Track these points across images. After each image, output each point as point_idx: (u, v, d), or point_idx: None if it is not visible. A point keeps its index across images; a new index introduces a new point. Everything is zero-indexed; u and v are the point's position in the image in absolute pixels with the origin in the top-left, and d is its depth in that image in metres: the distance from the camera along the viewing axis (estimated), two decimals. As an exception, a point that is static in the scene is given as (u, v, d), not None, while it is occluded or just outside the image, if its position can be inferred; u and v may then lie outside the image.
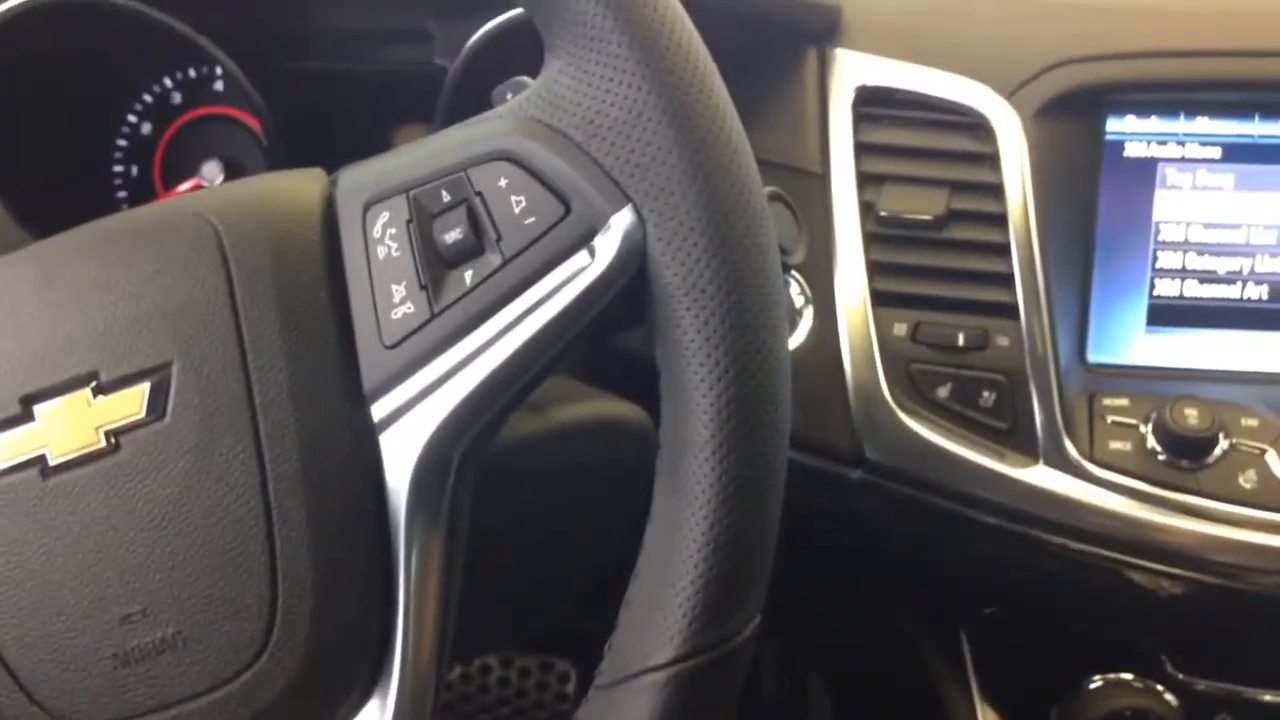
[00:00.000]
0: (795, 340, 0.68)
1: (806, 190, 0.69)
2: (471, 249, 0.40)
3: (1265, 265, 0.68)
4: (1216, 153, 0.67)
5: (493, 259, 0.40)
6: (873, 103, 0.69)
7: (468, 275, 0.40)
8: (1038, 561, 0.66)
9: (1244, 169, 0.67)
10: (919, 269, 0.67)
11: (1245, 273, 0.68)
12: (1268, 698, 0.69)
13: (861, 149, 0.68)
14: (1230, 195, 0.67)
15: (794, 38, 0.71)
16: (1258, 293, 0.68)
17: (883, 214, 0.67)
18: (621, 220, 0.39)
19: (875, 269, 0.67)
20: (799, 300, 0.68)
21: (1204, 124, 0.67)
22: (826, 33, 0.71)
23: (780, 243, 0.55)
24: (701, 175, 0.39)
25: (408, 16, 0.76)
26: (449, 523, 0.41)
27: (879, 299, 0.67)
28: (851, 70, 0.70)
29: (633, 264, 0.39)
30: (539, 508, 0.55)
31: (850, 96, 0.69)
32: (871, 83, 0.69)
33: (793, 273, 0.69)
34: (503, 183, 0.40)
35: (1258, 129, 0.67)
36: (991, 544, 0.67)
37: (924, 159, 0.68)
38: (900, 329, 0.66)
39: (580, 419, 0.58)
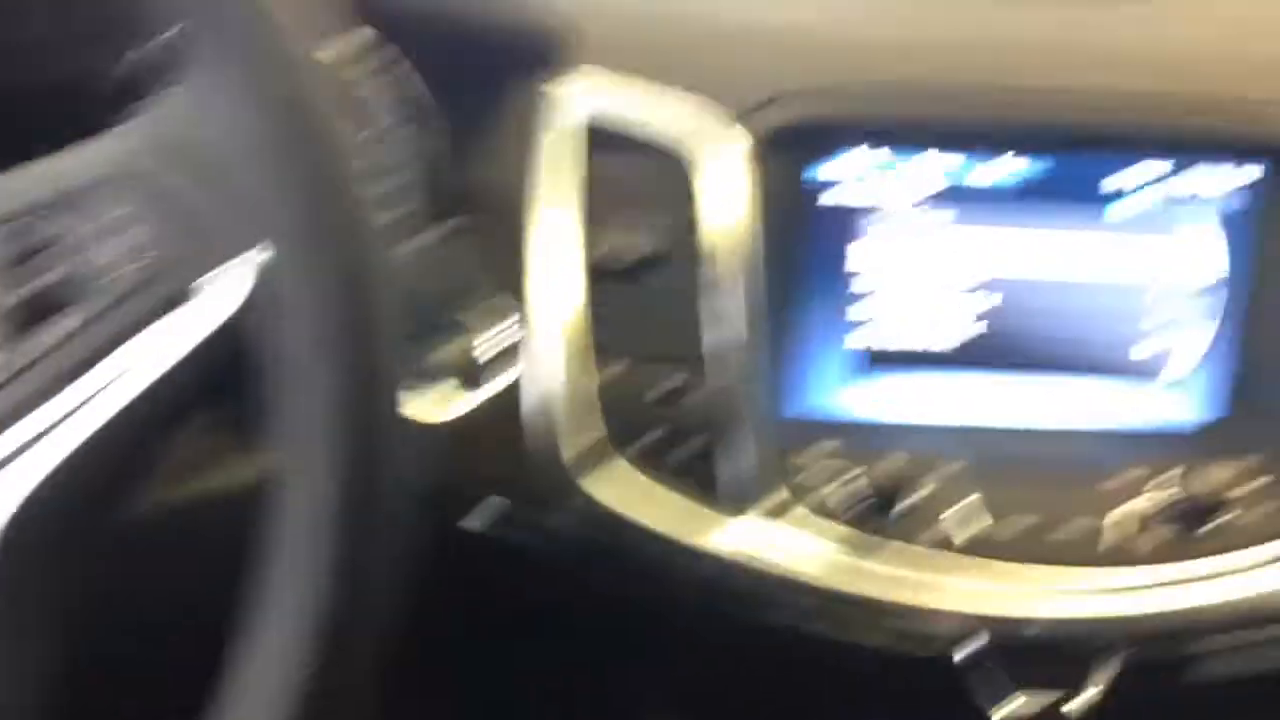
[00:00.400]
0: (503, 383, 0.70)
1: (520, 225, 0.71)
2: (67, 295, 0.39)
3: (969, 310, 0.71)
4: (928, 190, 0.71)
5: (91, 306, 0.38)
6: (597, 134, 0.69)
7: (61, 325, 0.39)
8: (737, 620, 0.69)
9: (955, 208, 0.69)
10: (628, 311, 0.68)
11: (949, 318, 0.71)
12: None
13: (581, 183, 0.69)
14: (931, 240, 0.70)
15: (515, 64, 0.72)
16: (960, 339, 0.71)
17: (598, 252, 0.69)
18: (242, 262, 0.38)
19: (586, 311, 0.68)
20: (502, 343, 0.70)
21: (916, 161, 0.70)
22: (549, 59, 0.72)
23: (463, 283, 0.56)
24: (313, 220, 0.38)
25: (85, 24, 0.75)
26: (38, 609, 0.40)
27: (589, 342, 0.68)
28: (576, 100, 0.70)
29: (252, 310, 0.38)
30: (183, 585, 0.55)
31: (574, 122, 0.70)
32: (597, 113, 0.69)
33: (494, 314, 0.70)
34: (114, 214, 0.39)
35: (969, 167, 0.70)
36: (692, 601, 0.69)
37: (636, 195, 0.69)
38: (608, 373, 0.68)
39: (231, 485, 0.58)
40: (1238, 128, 0.68)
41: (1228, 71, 0.68)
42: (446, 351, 0.68)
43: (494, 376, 0.68)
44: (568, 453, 0.66)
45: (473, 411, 0.67)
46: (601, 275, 0.67)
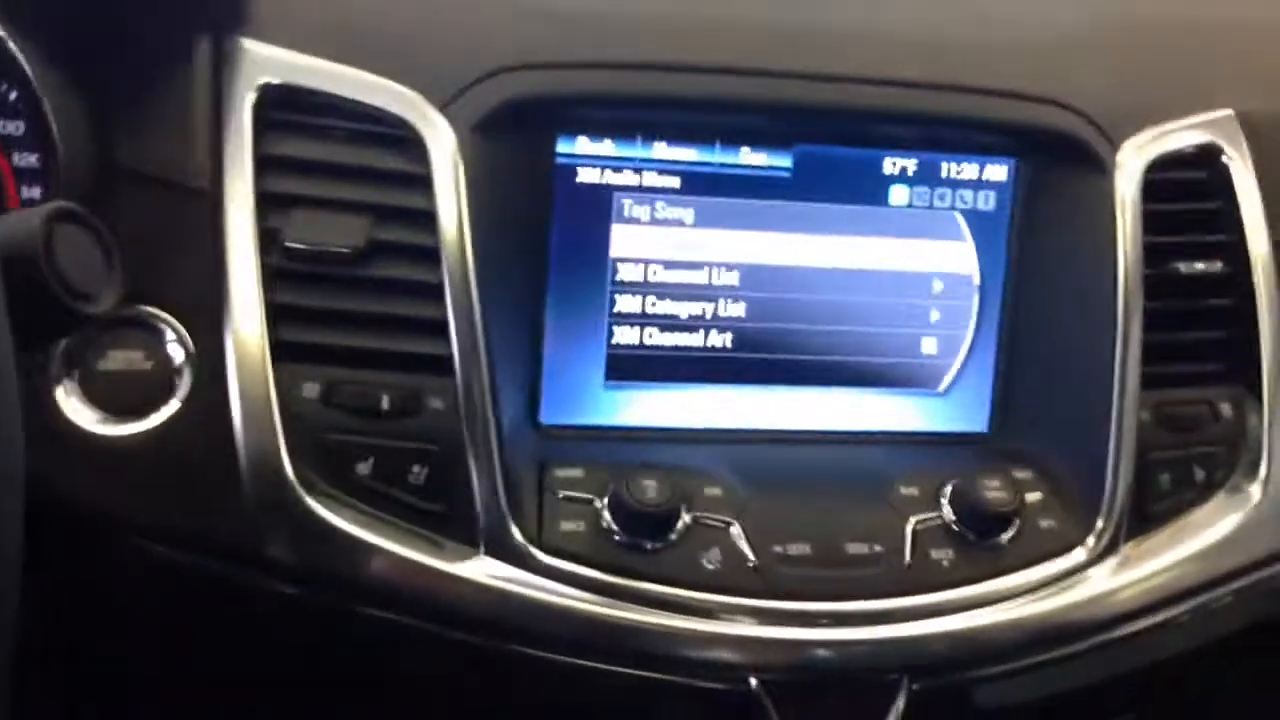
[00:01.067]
0: (169, 408, 0.57)
1: (190, 212, 0.58)
2: None
3: (728, 311, 0.65)
4: (676, 182, 0.64)
5: None
6: (281, 106, 0.59)
7: None
8: (477, 670, 0.59)
9: (704, 201, 0.64)
10: (334, 314, 0.57)
11: (708, 318, 0.65)
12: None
13: (264, 163, 0.58)
14: (691, 231, 0.64)
15: (183, 20, 0.60)
16: (721, 341, 0.65)
17: (290, 245, 0.57)
18: None
19: (279, 314, 0.57)
20: (177, 356, 0.57)
21: (662, 150, 0.64)
22: (228, 18, 0.61)
23: (81, 284, 0.45)
24: None
25: None
26: None
27: (283, 352, 0.56)
28: (256, 65, 0.59)
29: None
30: None
31: (252, 97, 0.59)
32: (279, 81, 0.59)
33: (168, 319, 0.57)
34: None
35: (718, 157, 0.65)
36: (423, 653, 0.59)
37: (342, 178, 0.59)
38: (310, 389, 0.57)
39: None
40: (986, 120, 0.66)
41: (980, 59, 0.67)
42: (118, 359, 0.57)
43: (172, 392, 0.57)
44: (285, 474, 0.54)
45: (169, 425, 0.57)
46: (307, 268, 0.56)
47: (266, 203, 0.56)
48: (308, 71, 0.59)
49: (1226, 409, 0.66)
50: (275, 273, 0.56)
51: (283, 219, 0.56)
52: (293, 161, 0.58)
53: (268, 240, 0.56)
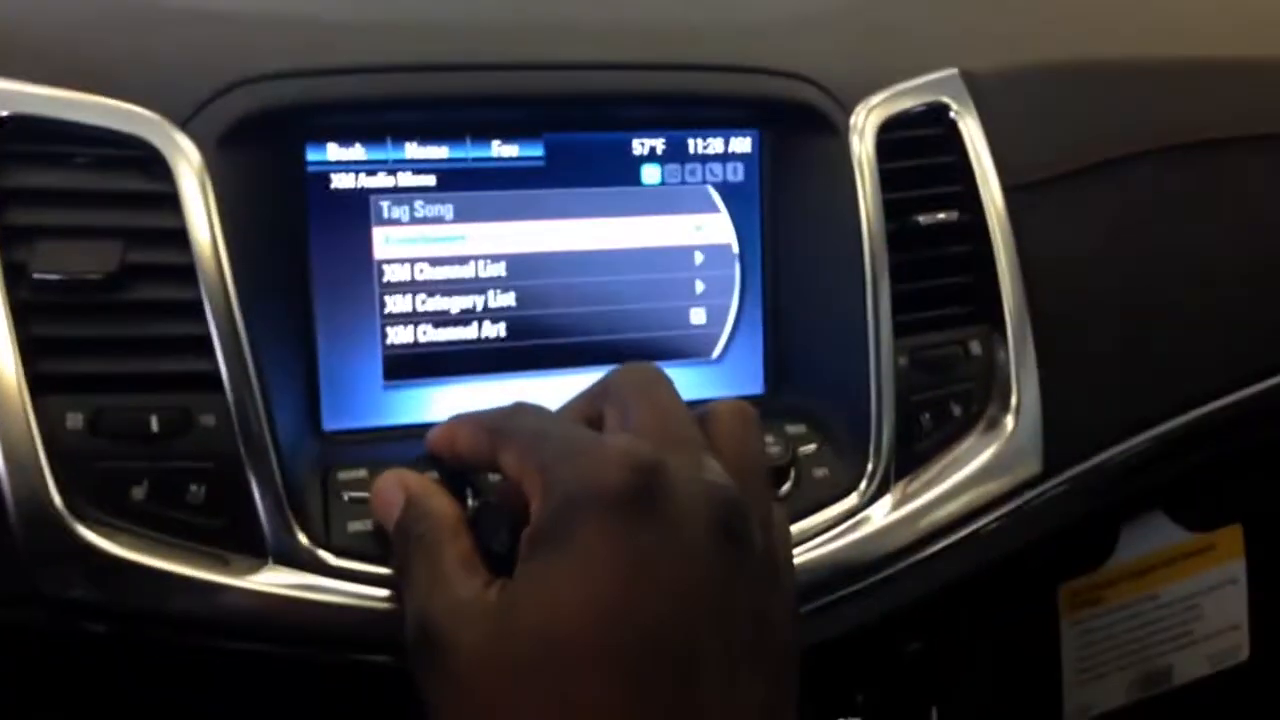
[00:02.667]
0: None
1: None
2: None
3: (498, 301, 0.69)
4: (432, 180, 0.67)
5: None
6: (14, 138, 0.60)
7: None
8: (283, 678, 0.61)
9: (462, 196, 0.67)
10: (93, 342, 0.58)
11: (479, 310, 0.69)
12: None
13: (6, 197, 0.59)
14: (452, 227, 0.67)
15: None
16: (495, 331, 0.69)
17: (38, 276, 0.58)
18: None
19: (33, 347, 0.57)
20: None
21: (414, 149, 0.67)
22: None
23: None
24: None
25: None
26: None
27: (42, 385, 0.57)
28: None
29: None
30: None
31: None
32: (9, 112, 0.60)
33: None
34: None
35: (471, 153, 0.68)
36: (234, 673, 0.60)
37: (87, 205, 0.60)
38: (75, 420, 0.57)
39: None
40: (726, 95, 0.72)
41: (718, 38, 0.73)
42: None
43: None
44: (56, 508, 0.55)
45: None
46: (60, 299, 0.58)
47: (10, 236, 0.57)
48: (40, 101, 0.60)
49: (976, 347, 0.72)
50: (25, 306, 0.57)
51: (28, 252, 0.57)
52: (33, 193, 0.59)
53: (14, 274, 0.56)
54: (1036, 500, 0.73)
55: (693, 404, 0.68)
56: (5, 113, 0.60)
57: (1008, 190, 0.75)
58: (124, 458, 0.57)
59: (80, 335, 0.58)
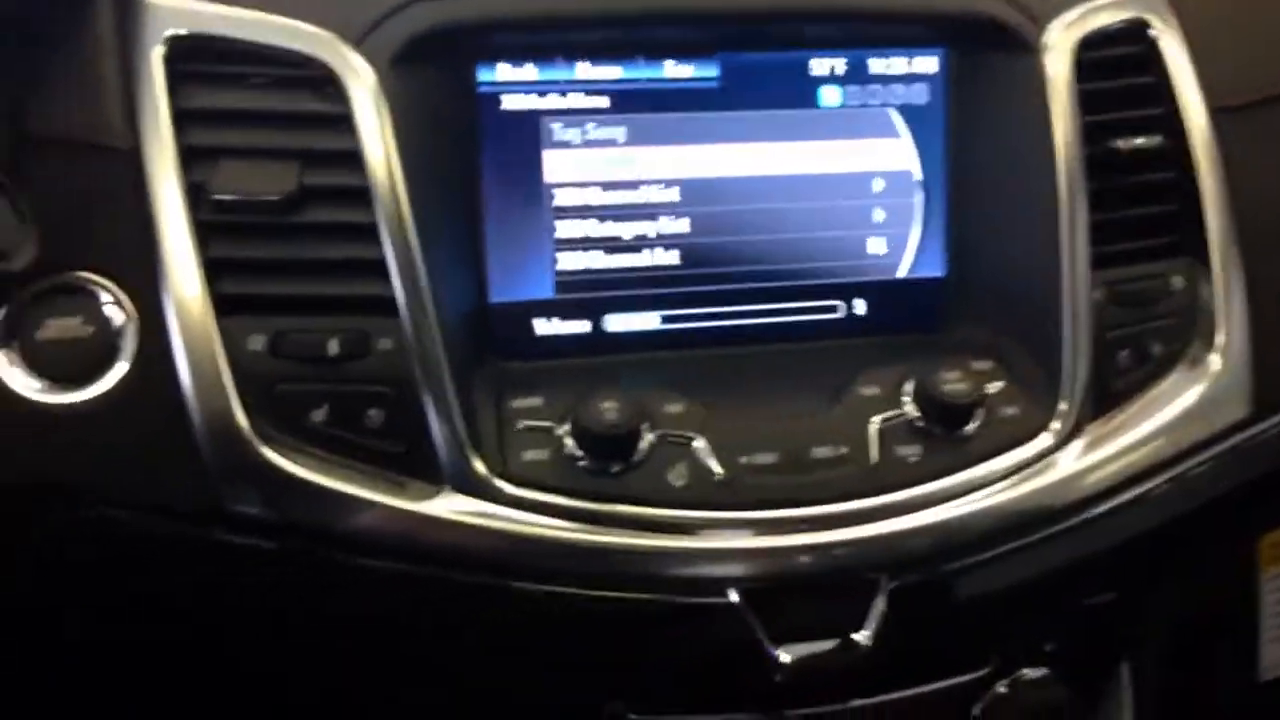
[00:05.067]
0: (116, 372, 0.60)
1: (113, 173, 0.61)
2: None
3: (671, 228, 0.70)
4: (604, 102, 0.68)
5: None
6: (191, 58, 0.62)
7: None
8: (456, 607, 0.63)
9: (635, 119, 0.68)
10: (272, 263, 0.61)
11: (652, 237, 0.69)
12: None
13: (182, 117, 0.61)
14: (624, 150, 0.68)
15: None
16: (667, 258, 0.70)
17: (219, 197, 0.61)
18: None
19: (216, 268, 0.60)
20: (117, 319, 0.60)
21: (586, 69, 0.68)
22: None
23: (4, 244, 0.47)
24: None
25: None
26: None
27: (226, 306, 0.60)
28: (160, 17, 0.63)
29: None
30: None
31: (160, 51, 0.62)
32: (186, 31, 0.63)
33: (104, 283, 0.60)
34: None
35: (644, 73, 0.69)
36: (400, 595, 0.62)
37: (264, 126, 0.62)
38: (257, 341, 0.60)
39: None
40: (911, 11, 0.71)
41: None
42: (56, 327, 0.60)
43: (116, 357, 0.61)
44: (241, 428, 0.59)
45: (116, 389, 0.60)
46: (240, 220, 0.61)
47: (189, 157, 0.60)
48: (215, 19, 0.63)
49: (1179, 281, 0.71)
50: (207, 227, 0.59)
51: (208, 171, 0.60)
52: (211, 113, 0.61)
53: (195, 195, 0.59)
54: (1242, 446, 0.72)
55: (868, 336, 0.69)
56: (182, 31, 0.61)
57: (1213, 113, 0.73)
58: (304, 380, 0.60)
59: (260, 257, 0.60)
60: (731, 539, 0.62)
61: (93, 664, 0.69)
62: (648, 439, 0.62)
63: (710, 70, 0.68)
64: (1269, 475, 0.74)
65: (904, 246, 0.71)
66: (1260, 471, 0.74)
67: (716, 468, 0.63)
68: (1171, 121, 0.72)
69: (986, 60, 0.71)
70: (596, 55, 0.67)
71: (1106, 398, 0.69)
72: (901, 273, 0.71)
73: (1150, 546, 0.70)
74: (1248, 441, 0.72)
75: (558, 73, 0.66)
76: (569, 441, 0.61)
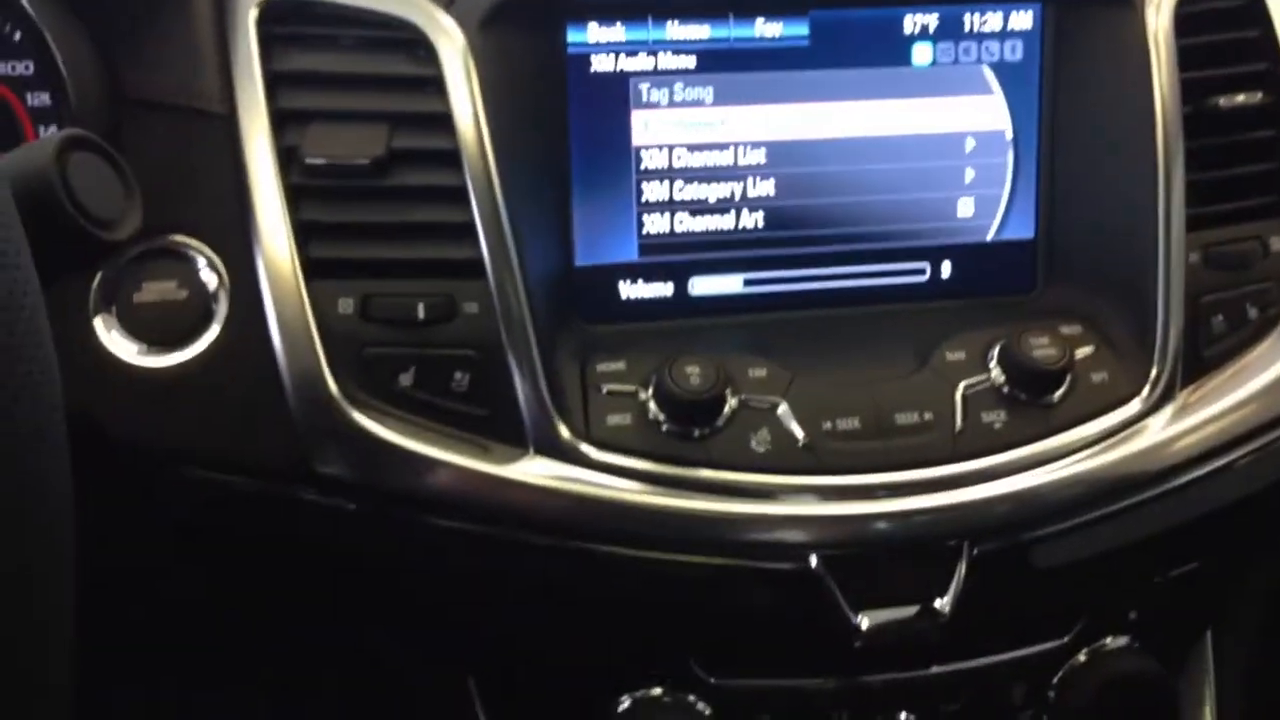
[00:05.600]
0: (209, 335, 0.61)
1: (208, 137, 0.62)
2: None
3: (756, 190, 0.69)
4: (692, 62, 0.67)
5: None
6: (284, 20, 0.63)
7: None
8: (540, 570, 0.64)
9: (723, 79, 0.67)
10: (362, 227, 0.62)
11: (737, 199, 0.69)
12: (807, 685, 0.71)
13: (275, 80, 0.62)
14: (712, 110, 0.68)
15: None
16: (753, 221, 0.69)
17: (309, 161, 0.61)
18: None
19: (307, 231, 0.61)
20: (211, 282, 0.61)
21: (675, 29, 0.67)
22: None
23: (99, 211, 0.48)
24: None
25: None
26: None
27: (316, 269, 0.61)
28: None
29: None
30: None
31: (254, 13, 0.63)
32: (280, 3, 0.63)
33: (198, 246, 0.62)
34: None
35: (733, 31, 0.68)
36: (485, 557, 0.63)
37: (354, 89, 0.63)
38: (346, 305, 0.61)
39: None
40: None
41: None
42: (153, 290, 0.62)
43: (211, 318, 0.62)
44: (330, 389, 0.60)
45: (210, 351, 0.62)
46: (330, 183, 0.62)
47: (282, 120, 0.61)
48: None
49: (1277, 243, 0.69)
50: (298, 190, 0.60)
51: (300, 135, 0.60)
52: (303, 75, 0.62)
53: (287, 158, 0.60)
54: None
55: (956, 297, 0.68)
56: (274, -7, 0.61)
57: None
58: (392, 344, 0.61)
59: (350, 220, 0.61)
60: (813, 505, 0.62)
61: (189, 618, 0.71)
62: (731, 404, 0.63)
63: (800, 28, 0.68)
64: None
65: (994, 208, 0.71)
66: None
67: (799, 433, 0.63)
68: (1274, 78, 0.70)
69: (1084, 14, 0.69)
70: (686, 14, 0.67)
71: (1199, 364, 0.69)
72: (990, 235, 0.70)
73: (1237, 517, 0.69)
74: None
75: (646, 33, 0.66)
76: (652, 406, 0.62)
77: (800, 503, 0.62)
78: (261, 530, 0.63)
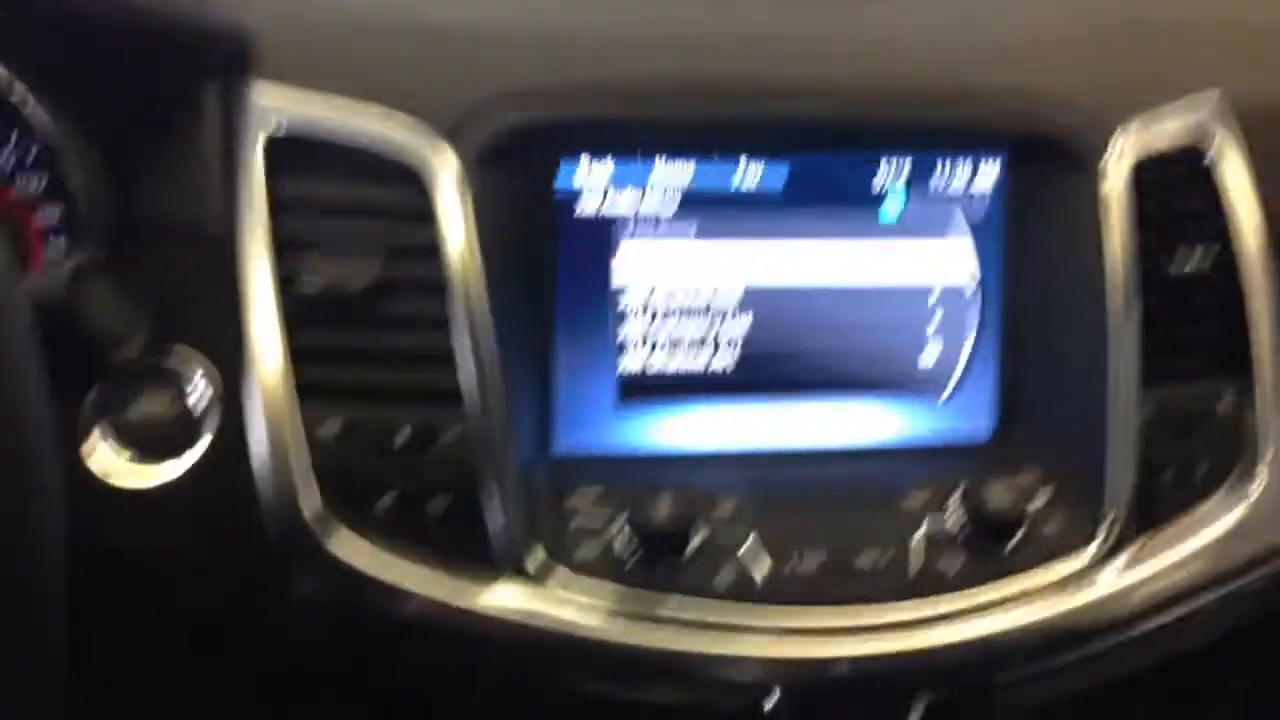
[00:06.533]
0: (199, 449, 0.63)
1: (211, 258, 0.64)
2: None
3: (731, 330, 0.71)
4: (675, 200, 0.70)
5: None
6: (291, 150, 0.65)
7: None
8: (510, 701, 0.65)
9: (705, 216, 0.70)
10: (351, 352, 0.63)
11: (712, 339, 0.71)
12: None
13: (278, 206, 0.64)
14: (692, 249, 0.70)
15: (192, 67, 0.66)
16: (727, 359, 0.71)
17: (306, 286, 0.63)
18: None
19: (299, 354, 0.63)
20: (204, 398, 0.63)
21: (661, 167, 0.69)
22: (234, 61, 0.66)
23: (107, 332, 0.50)
24: None
25: None
26: None
27: (305, 391, 0.62)
28: (264, 105, 0.65)
29: None
30: None
31: (262, 138, 0.65)
32: (288, 119, 0.65)
33: (194, 363, 0.63)
34: None
35: (715, 170, 0.70)
36: (454, 686, 0.65)
37: (353, 216, 0.65)
38: (331, 427, 0.63)
39: None
40: (974, 120, 0.71)
41: (963, 61, 0.72)
42: (147, 403, 0.64)
43: (200, 434, 0.64)
44: (308, 512, 0.61)
45: (198, 465, 0.63)
46: (324, 308, 0.63)
47: (283, 245, 0.63)
48: (315, 107, 0.65)
49: (1227, 402, 0.72)
50: (294, 314, 0.62)
51: (299, 260, 0.62)
52: (305, 202, 0.64)
53: (285, 282, 0.62)
54: None
55: (919, 445, 0.70)
56: (283, 119, 0.64)
57: (1270, 235, 0.73)
58: (372, 468, 0.62)
59: (340, 345, 0.63)
60: (771, 643, 0.64)
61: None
62: (698, 538, 0.64)
63: (779, 171, 0.70)
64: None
65: (958, 354, 0.73)
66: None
67: (763, 569, 0.64)
68: (1227, 241, 0.73)
69: (1048, 171, 0.72)
70: (672, 153, 0.69)
71: (1150, 516, 0.70)
72: (953, 384, 0.73)
73: (1191, 667, 0.71)
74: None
75: (634, 169, 0.68)
76: (622, 538, 0.63)
77: (759, 641, 0.64)
78: (231, 635, 0.64)
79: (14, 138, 0.64)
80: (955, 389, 0.73)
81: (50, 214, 0.63)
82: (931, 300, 0.72)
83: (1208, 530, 0.71)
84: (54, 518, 0.43)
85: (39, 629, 0.42)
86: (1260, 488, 0.72)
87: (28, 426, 0.41)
